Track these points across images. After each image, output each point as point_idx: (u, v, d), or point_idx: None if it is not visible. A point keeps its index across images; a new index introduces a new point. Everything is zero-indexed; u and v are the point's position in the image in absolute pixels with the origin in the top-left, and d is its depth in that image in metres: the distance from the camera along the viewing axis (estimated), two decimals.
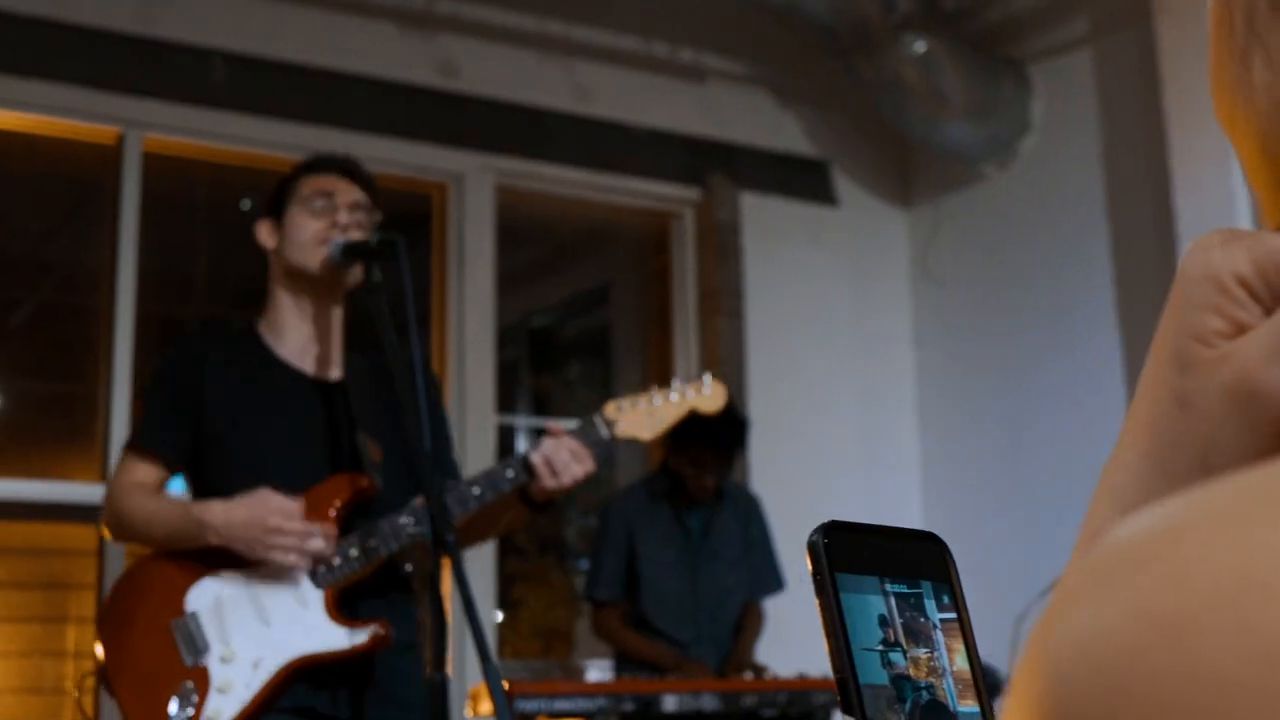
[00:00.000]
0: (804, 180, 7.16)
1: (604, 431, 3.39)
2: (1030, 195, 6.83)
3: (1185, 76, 5.93)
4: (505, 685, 2.88)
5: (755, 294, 6.85)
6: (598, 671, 6.21)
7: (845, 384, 7.08)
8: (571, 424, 3.39)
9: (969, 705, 0.79)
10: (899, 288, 7.34)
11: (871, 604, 0.79)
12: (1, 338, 5.99)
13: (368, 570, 3.25)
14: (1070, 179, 6.65)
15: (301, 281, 3.44)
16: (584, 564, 7.25)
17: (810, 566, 0.78)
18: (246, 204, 6.61)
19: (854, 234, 7.25)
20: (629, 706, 4.66)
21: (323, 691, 3.22)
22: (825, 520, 0.81)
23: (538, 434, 7.27)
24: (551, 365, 7.99)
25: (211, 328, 3.78)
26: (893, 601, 0.79)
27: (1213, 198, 5.82)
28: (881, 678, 0.77)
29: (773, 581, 5.57)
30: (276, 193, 3.55)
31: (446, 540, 2.91)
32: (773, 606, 5.64)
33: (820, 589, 0.78)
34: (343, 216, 3.40)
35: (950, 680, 0.80)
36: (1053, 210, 6.72)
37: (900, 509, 7.05)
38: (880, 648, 0.78)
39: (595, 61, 6.67)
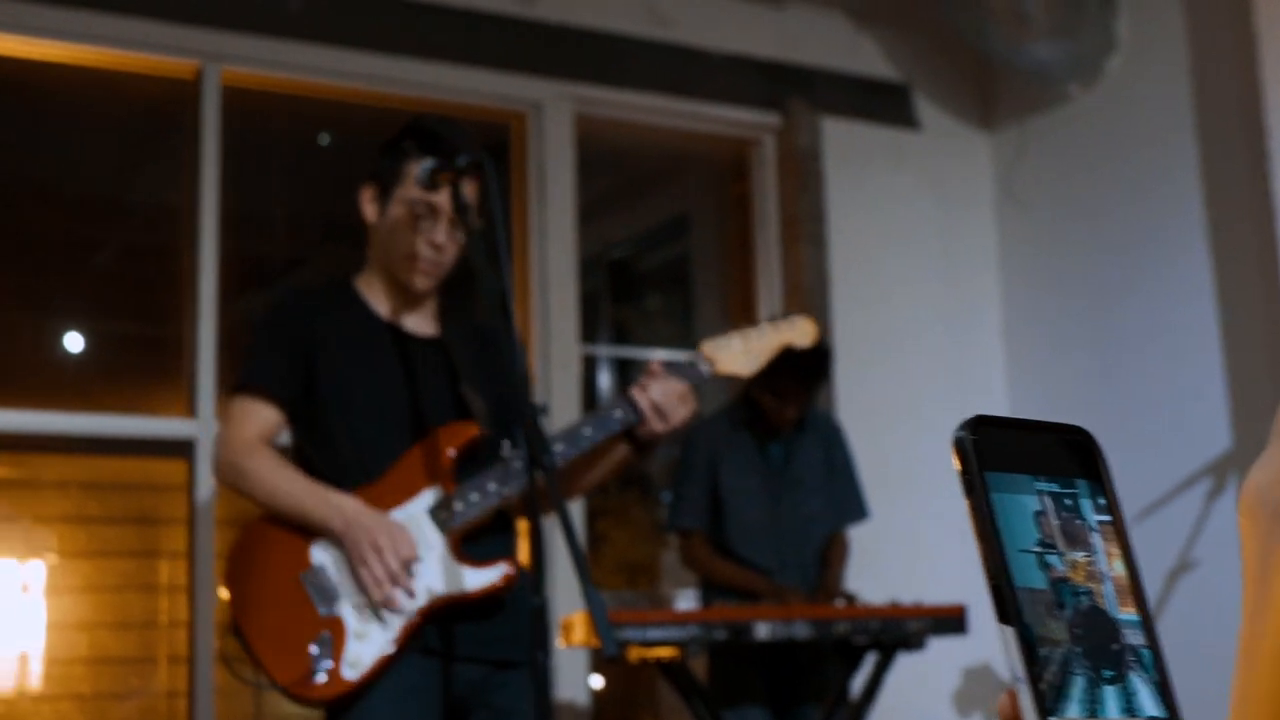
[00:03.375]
0: (885, 104, 7.07)
1: (704, 369, 3.43)
2: (1117, 115, 6.71)
3: None
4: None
5: (837, 220, 6.79)
6: (685, 602, 6.21)
7: (930, 310, 7.02)
8: (669, 359, 3.43)
9: (1129, 613, 0.75)
10: (983, 211, 7.25)
11: (1025, 503, 0.74)
12: (86, 278, 6.02)
13: (486, 514, 3.31)
14: (1158, 98, 6.53)
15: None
16: (667, 497, 7.24)
17: (958, 465, 0.74)
18: (325, 138, 6.60)
19: (937, 157, 7.16)
20: (721, 635, 4.65)
21: (446, 630, 3.28)
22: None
23: (620, 365, 7.28)
24: (631, 296, 7.96)
25: (313, 285, 3.83)
26: (1048, 500, 0.75)
27: None
28: (1039, 581, 0.73)
29: (856, 509, 5.54)
30: (387, 157, 3.49)
31: (544, 464, 2.90)
32: (858, 535, 5.61)
33: (969, 488, 0.73)
34: (440, 236, 3.40)
35: (1110, 586, 0.75)
36: (1140, 130, 6.60)
37: None
38: (1037, 549, 0.73)
39: None
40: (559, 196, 6.25)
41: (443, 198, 3.40)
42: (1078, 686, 0.71)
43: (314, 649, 3.18)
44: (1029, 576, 0.72)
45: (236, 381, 3.44)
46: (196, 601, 5.40)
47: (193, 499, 5.46)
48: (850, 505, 5.51)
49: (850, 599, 5.15)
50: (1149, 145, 6.54)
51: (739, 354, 3.46)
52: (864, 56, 7.06)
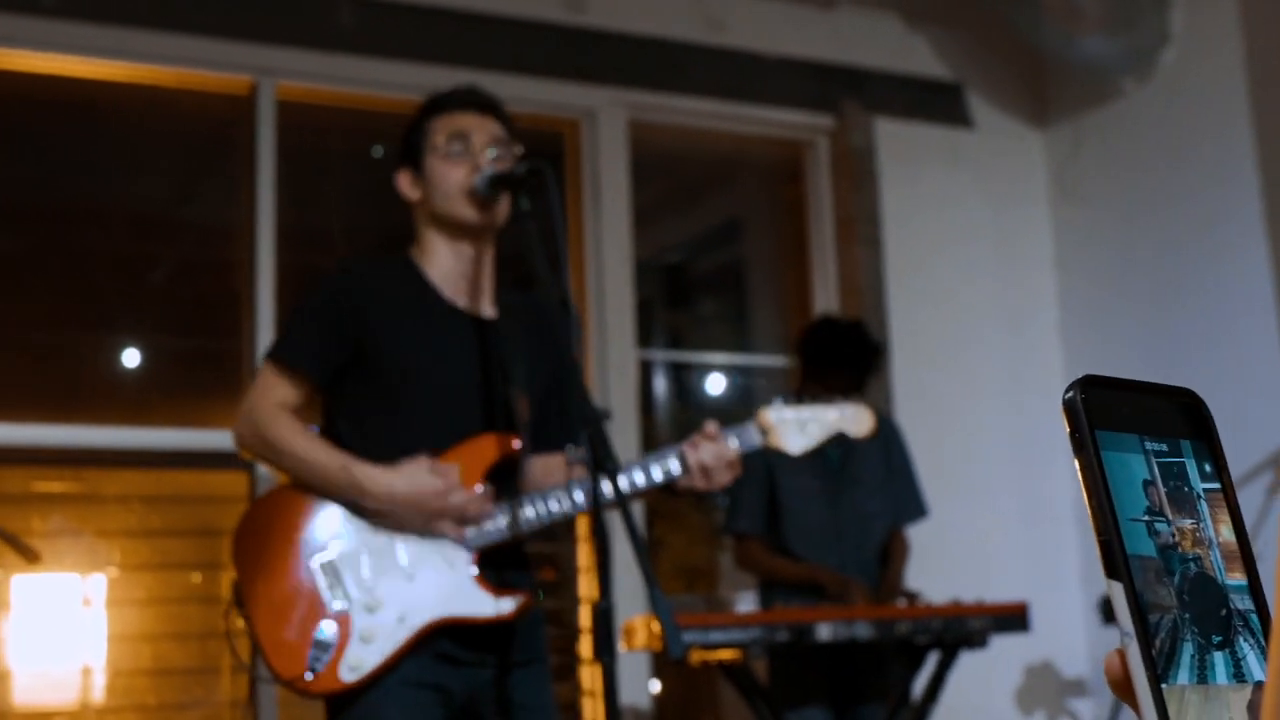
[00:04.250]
0: (938, 103, 7.05)
1: (756, 439, 3.43)
2: (1172, 109, 6.66)
3: None
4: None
5: (892, 221, 6.77)
6: (745, 605, 6.20)
7: (986, 308, 6.99)
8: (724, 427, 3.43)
9: (1236, 578, 0.75)
10: (1038, 209, 7.22)
11: (1134, 466, 0.75)
12: (145, 294, 6.06)
13: (513, 540, 3.29)
14: (1213, 90, 6.48)
15: (452, 228, 3.42)
16: (723, 501, 7.22)
17: (1067, 424, 0.75)
18: (379, 150, 6.62)
19: (991, 156, 7.13)
20: (783, 636, 4.64)
21: (461, 644, 3.24)
22: (1080, 381, 0.76)
23: (675, 369, 7.27)
24: (686, 301, 7.95)
25: (370, 258, 3.74)
26: (1154, 464, 0.75)
27: None
28: (1148, 548, 0.73)
29: (915, 508, 5.52)
30: (409, 138, 3.52)
31: (609, 470, 2.89)
32: (917, 534, 5.59)
33: (1079, 447, 0.74)
34: (483, 159, 3.39)
35: (1217, 552, 0.76)
36: (1196, 123, 6.55)
37: (1046, 434, 6.96)
38: (1146, 517, 0.74)
39: None
40: (614, 203, 6.26)
41: (472, 125, 3.42)
42: (1187, 653, 0.72)
43: (315, 645, 3.12)
44: (1138, 544, 0.73)
45: (268, 351, 3.40)
46: None
47: None
48: (909, 504, 5.50)
49: (913, 597, 5.13)
50: (1205, 139, 6.49)
51: (793, 431, 3.47)
52: (916, 56, 7.04)
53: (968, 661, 5.14)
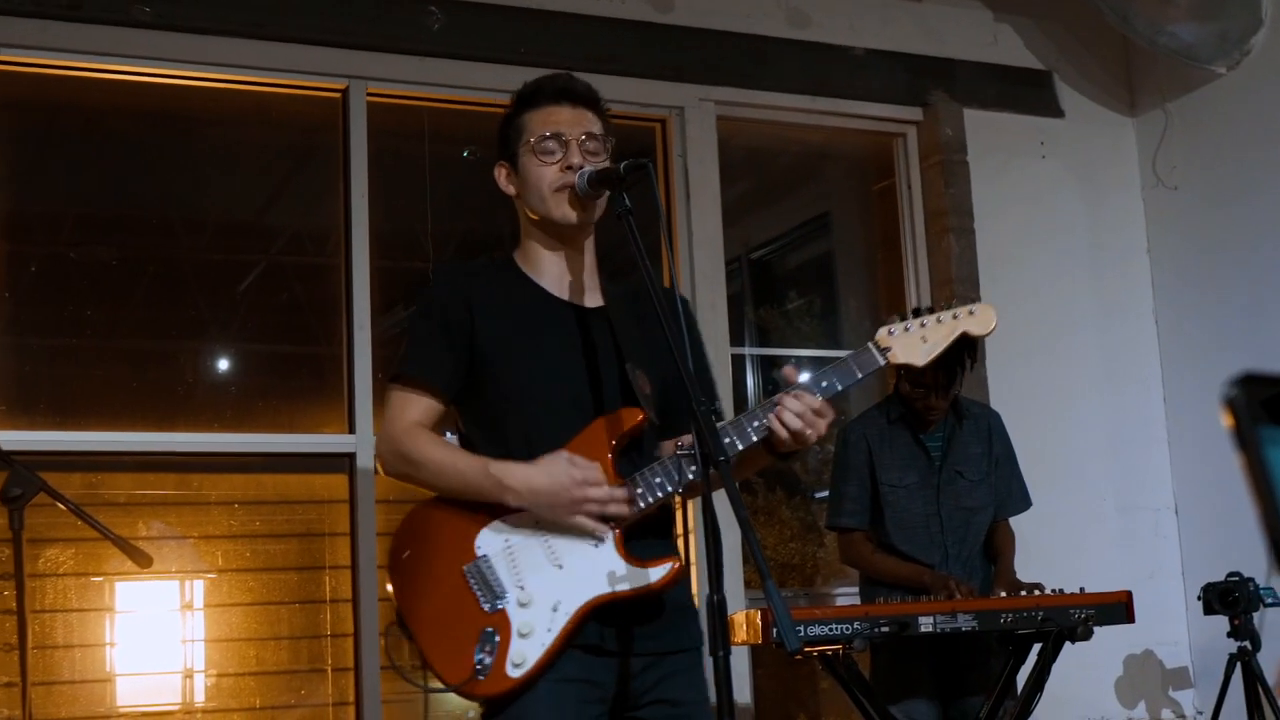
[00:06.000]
0: (1027, 93, 7.01)
1: (879, 359, 3.31)
2: (1264, 93, 6.59)
3: None
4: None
5: (984, 212, 6.73)
6: (844, 600, 6.19)
7: (1081, 298, 6.94)
8: (842, 353, 3.32)
9: None
10: (1131, 197, 7.16)
11: None
12: (242, 300, 6.11)
13: (654, 508, 3.23)
14: None
15: (547, 225, 3.40)
16: (816, 496, 7.20)
17: (1229, 421, 0.74)
18: (468, 152, 6.65)
19: (1082, 144, 7.09)
20: (886, 629, 4.62)
21: (608, 628, 3.20)
22: (1241, 377, 0.76)
23: (767, 363, 7.25)
24: (774, 297, 7.94)
25: (471, 261, 3.66)
26: None
27: None
28: None
29: (1020, 500, 5.48)
30: (504, 132, 3.47)
31: (719, 462, 2.87)
32: (1015, 525, 5.55)
33: (1242, 444, 0.74)
34: (575, 158, 3.33)
35: None
36: None
37: (1143, 423, 6.91)
38: None
39: None
40: (705, 199, 6.26)
41: (566, 120, 3.38)
42: None
43: (479, 647, 3.12)
44: None
45: (394, 372, 3.39)
46: (361, 613, 5.48)
47: (354, 512, 5.54)
48: (1013, 496, 5.45)
49: (1035, 588, 5.03)
50: None
51: (915, 342, 3.33)
52: (1005, 46, 7.00)
53: (1068, 652, 5.09)
